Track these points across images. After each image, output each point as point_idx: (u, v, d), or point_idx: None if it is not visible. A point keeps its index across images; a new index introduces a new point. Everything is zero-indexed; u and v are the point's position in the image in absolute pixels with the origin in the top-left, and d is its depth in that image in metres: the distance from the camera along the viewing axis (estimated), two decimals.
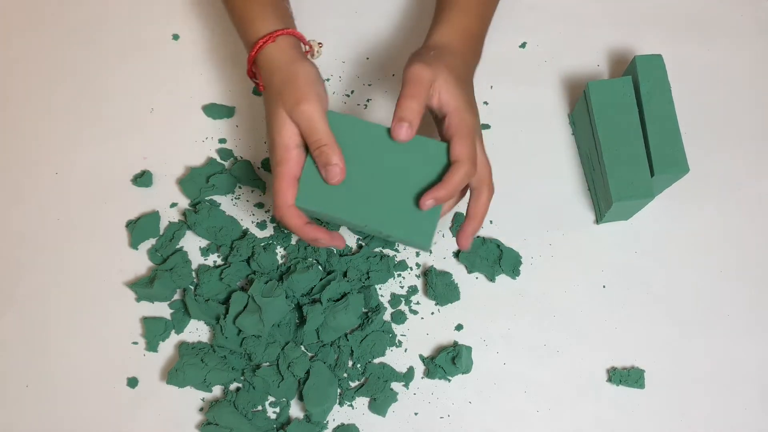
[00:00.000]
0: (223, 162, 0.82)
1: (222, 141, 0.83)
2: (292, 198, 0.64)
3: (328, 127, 0.63)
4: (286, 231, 0.79)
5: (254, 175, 0.80)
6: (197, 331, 0.77)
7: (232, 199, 0.80)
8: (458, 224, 0.78)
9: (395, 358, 0.75)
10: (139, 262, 0.79)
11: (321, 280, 0.75)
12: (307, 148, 0.65)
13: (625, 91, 0.75)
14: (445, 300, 0.76)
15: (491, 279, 0.77)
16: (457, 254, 0.78)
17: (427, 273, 0.77)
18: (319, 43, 0.73)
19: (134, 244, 0.79)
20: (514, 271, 0.77)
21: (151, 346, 0.75)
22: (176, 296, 0.78)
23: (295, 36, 0.69)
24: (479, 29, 0.72)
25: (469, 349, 0.74)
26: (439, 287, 0.76)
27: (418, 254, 0.78)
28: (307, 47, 0.72)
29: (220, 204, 0.80)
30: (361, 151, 0.63)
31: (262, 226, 0.79)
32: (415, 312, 0.77)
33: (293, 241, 0.78)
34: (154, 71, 0.86)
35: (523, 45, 0.86)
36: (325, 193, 0.63)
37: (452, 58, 0.66)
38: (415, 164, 0.63)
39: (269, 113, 0.66)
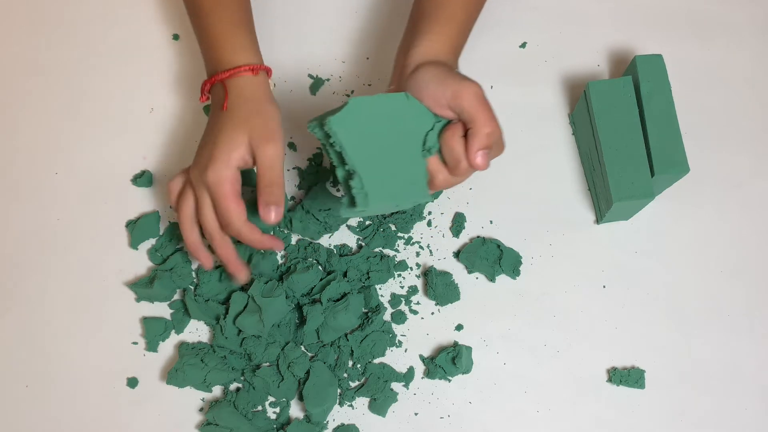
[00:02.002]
0: None
1: None
2: (244, 214, 0.66)
3: (282, 172, 0.65)
4: (285, 231, 0.79)
5: (253, 173, 0.80)
6: (197, 331, 0.77)
7: None
8: (457, 224, 0.78)
9: (395, 358, 0.75)
10: (139, 262, 0.79)
11: (321, 280, 0.75)
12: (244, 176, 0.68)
13: (625, 91, 0.75)
14: (445, 300, 0.76)
15: (491, 279, 0.77)
16: (457, 254, 0.78)
17: (427, 273, 0.77)
18: (273, 84, 0.75)
19: (134, 244, 0.79)
20: (514, 271, 0.77)
21: (151, 346, 0.75)
22: (176, 296, 0.78)
23: (269, 72, 0.72)
24: (462, 44, 0.71)
25: (469, 349, 0.74)
26: (439, 287, 0.76)
27: (418, 254, 0.78)
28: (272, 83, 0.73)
29: None
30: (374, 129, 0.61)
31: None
32: (415, 312, 0.77)
33: (293, 241, 0.78)
34: (154, 71, 0.86)
35: (523, 45, 0.86)
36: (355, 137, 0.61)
37: (449, 65, 0.66)
38: (410, 131, 0.62)
39: (227, 131, 0.67)
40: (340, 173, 0.63)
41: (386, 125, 0.61)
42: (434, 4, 0.71)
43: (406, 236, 0.78)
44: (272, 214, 0.64)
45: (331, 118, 0.60)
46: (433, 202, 0.64)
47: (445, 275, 0.77)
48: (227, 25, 0.72)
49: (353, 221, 0.79)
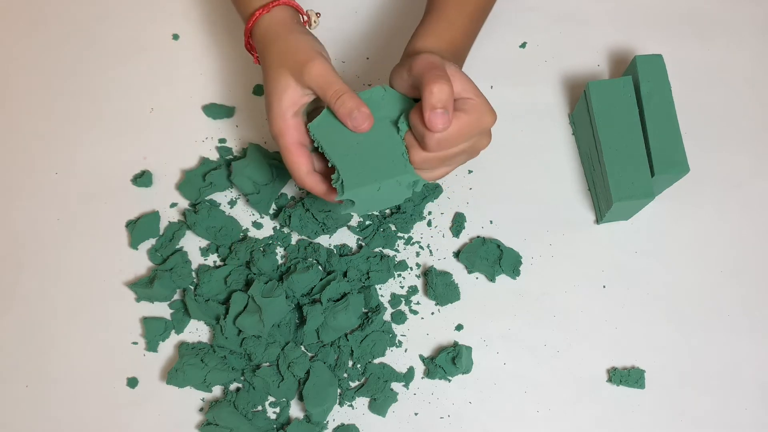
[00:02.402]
0: (218, 160, 0.82)
1: (222, 141, 0.83)
2: (306, 165, 0.64)
3: (341, 80, 0.62)
4: (286, 231, 0.79)
5: None
6: (197, 331, 0.77)
7: (231, 200, 0.80)
8: (457, 224, 0.78)
9: (395, 358, 0.75)
10: (139, 262, 0.79)
11: (321, 280, 0.75)
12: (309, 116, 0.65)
13: (625, 91, 0.75)
14: (445, 300, 0.76)
15: (491, 279, 0.77)
16: (457, 254, 0.78)
17: (427, 273, 0.77)
18: (317, 13, 0.73)
19: (134, 244, 0.79)
20: (514, 271, 0.77)
21: (151, 346, 0.75)
22: (176, 296, 0.78)
23: (291, 6, 0.68)
24: (464, 44, 0.71)
25: (469, 349, 0.74)
26: (439, 287, 0.76)
27: (418, 254, 0.78)
28: (305, 17, 0.71)
29: (219, 204, 0.80)
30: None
31: (258, 225, 0.79)
32: (415, 312, 0.77)
33: (293, 241, 0.78)
34: (154, 71, 0.86)
35: (523, 45, 0.86)
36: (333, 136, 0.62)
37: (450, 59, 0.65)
38: (389, 118, 0.63)
39: (269, 80, 0.65)
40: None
41: None
42: (433, 4, 0.71)
43: (406, 236, 0.78)
44: (360, 122, 0.61)
45: (310, 124, 0.62)
46: (418, 185, 0.61)
47: (445, 275, 0.77)
48: None
49: (354, 222, 0.79)
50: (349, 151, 0.62)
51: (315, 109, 0.68)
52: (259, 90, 0.84)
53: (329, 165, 0.63)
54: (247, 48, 0.71)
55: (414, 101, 0.63)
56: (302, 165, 0.64)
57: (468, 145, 0.62)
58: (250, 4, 0.69)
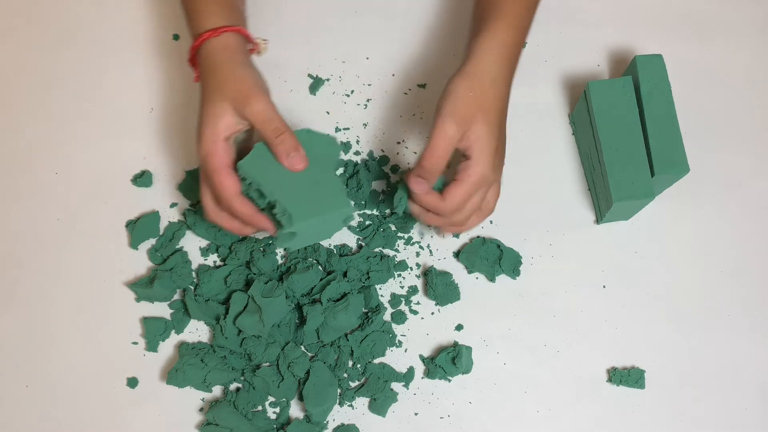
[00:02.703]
0: None
1: None
2: (236, 187, 0.65)
3: (281, 117, 0.64)
4: None
5: None
6: (197, 331, 0.77)
7: None
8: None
9: (395, 358, 0.75)
10: (139, 262, 0.79)
11: (321, 280, 0.75)
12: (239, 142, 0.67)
13: (625, 91, 0.75)
14: (445, 300, 0.76)
15: (491, 279, 0.77)
16: (457, 254, 0.78)
17: (427, 273, 0.77)
18: (264, 40, 0.73)
19: (134, 244, 0.79)
20: (514, 271, 0.77)
21: (151, 346, 0.75)
22: (176, 296, 0.78)
23: (241, 34, 0.69)
24: (522, 41, 0.71)
25: (469, 349, 0.74)
26: (439, 287, 0.76)
27: (418, 254, 0.78)
28: (251, 45, 0.72)
29: None
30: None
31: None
32: (415, 312, 0.77)
33: None
34: (154, 71, 0.86)
35: (523, 45, 0.86)
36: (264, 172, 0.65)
37: (493, 91, 0.67)
38: (319, 157, 0.66)
39: (208, 103, 0.66)
40: (261, 206, 0.66)
41: None
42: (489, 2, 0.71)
43: (406, 236, 0.78)
44: (295, 160, 0.64)
45: (240, 162, 0.64)
46: (349, 219, 0.68)
47: (445, 275, 0.77)
48: None
49: (354, 222, 0.79)
50: (286, 188, 0.65)
51: (241, 149, 0.69)
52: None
53: (264, 202, 0.65)
54: (190, 63, 0.71)
55: (337, 144, 0.69)
56: (231, 186, 0.65)
57: (475, 205, 0.68)
58: (200, 23, 0.69)
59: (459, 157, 0.68)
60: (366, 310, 0.76)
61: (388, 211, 0.79)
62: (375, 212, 0.79)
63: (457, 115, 0.65)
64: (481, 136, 0.65)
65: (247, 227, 0.68)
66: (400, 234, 0.78)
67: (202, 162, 0.65)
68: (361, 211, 0.79)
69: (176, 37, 0.87)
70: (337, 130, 0.83)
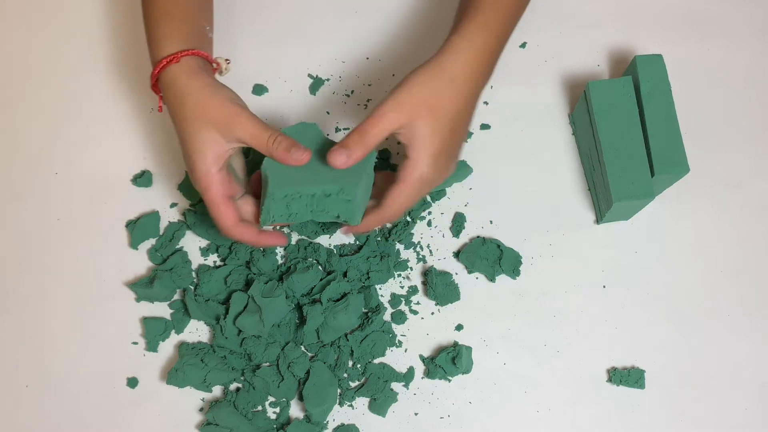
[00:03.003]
0: None
1: None
2: (233, 217, 0.65)
3: (267, 124, 0.64)
4: (286, 231, 0.79)
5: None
6: (197, 331, 0.77)
7: None
8: (457, 224, 0.78)
9: (395, 358, 0.75)
10: (139, 262, 0.79)
11: (321, 280, 0.75)
12: (232, 168, 0.67)
13: (625, 91, 0.75)
14: (445, 300, 0.76)
15: (491, 279, 0.77)
16: (457, 254, 0.78)
17: (427, 273, 0.77)
18: (227, 60, 0.72)
19: (134, 244, 0.79)
20: (514, 271, 0.77)
21: (151, 346, 0.75)
22: (176, 296, 0.78)
23: (200, 56, 0.67)
24: (498, 45, 0.68)
25: (469, 349, 0.74)
26: (439, 287, 0.76)
27: (418, 254, 0.78)
28: (215, 65, 0.71)
29: None
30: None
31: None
32: (415, 312, 0.77)
33: (293, 241, 0.78)
34: None
35: (523, 45, 0.86)
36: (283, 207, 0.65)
37: (450, 92, 0.64)
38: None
39: (188, 135, 0.64)
40: (311, 208, 0.66)
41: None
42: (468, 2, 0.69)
43: (406, 236, 0.78)
44: (298, 155, 0.62)
45: (270, 189, 0.65)
46: (344, 193, 0.65)
47: (445, 275, 0.77)
48: (155, 17, 0.68)
49: None
50: (315, 176, 0.65)
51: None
52: (258, 90, 0.84)
53: (316, 198, 0.65)
54: (153, 90, 0.69)
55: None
56: (229, 218, 0.65)
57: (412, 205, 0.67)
58: (158, 49, 0.67)
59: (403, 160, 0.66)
60: (366, 310, 0.76)
61: None
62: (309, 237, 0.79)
63: (404, 104, 0.62)
64: (423, 135, 0.63)
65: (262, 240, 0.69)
66: (400, 234, 0.78)
67: (201, 194, 0.66)
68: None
69: None
70: (337, 130, 0.83)
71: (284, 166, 0.64)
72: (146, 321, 0.76)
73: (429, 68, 0.64)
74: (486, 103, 0.83)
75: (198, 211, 0.78)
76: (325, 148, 0.66)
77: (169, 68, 0.65)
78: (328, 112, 0.84)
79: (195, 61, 0.66)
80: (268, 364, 0.75)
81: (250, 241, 0.67)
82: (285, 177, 0.65)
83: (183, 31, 0.68)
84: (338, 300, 0.74)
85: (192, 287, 0.77)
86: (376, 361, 0.75)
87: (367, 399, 0.74)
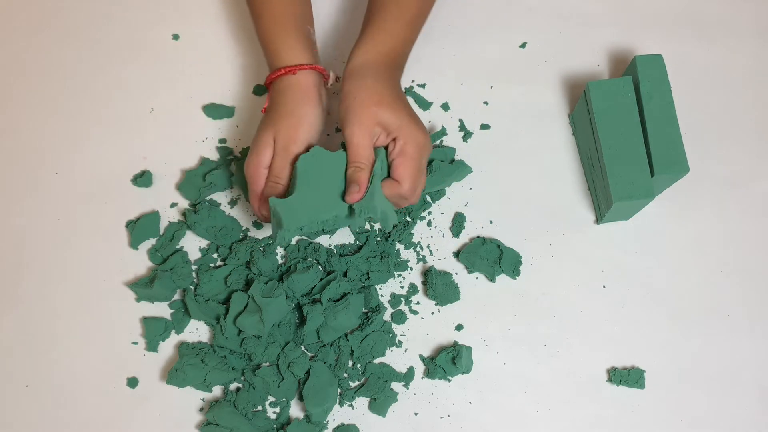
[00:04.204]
0: (218, 160, 0.82)
1: (222, 141, 0.83)
2: (264, 210, 0.71)
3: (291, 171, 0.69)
4: None
5: None
6: (197, 331, 0.77)
7: (231, 200, 0.80)
8: (457, 224, 0.78)
9: (395, 358, 0.75)
10: (139, 262, 0.79)
11: (321, 280, 0.75)
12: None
13: (625, 91, 0.75)
14: (445, 300, 0.76)
15: (491, 279, 0.77)
16: (457, 254, 0.78)
17: (427, 273, 0.77)
18: (337, 77, 0.77)
19: (134, 244, 0.79)
20: (514, 271, 0.77)
21: (151, 346, 0.75)
22: (176, 296, 0.78)
23: (317, 71, 0.73)
24: (404, 51, 0.75)
25: (469, 349, 0.74)
26: (439, 287, 0.76)
27: (418, 254, 0.78)
28: (324, 75, 0.75)
29: (219, 204, 0.80)
30: (319, 176, 0.69)
31: (258, 225, 0.79)
32: (415, 312, 0.77)
33: (293, 241, 0.78)
34: (154, 71, 0.86)
35: (523, 45, 0.86)
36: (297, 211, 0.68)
37: (382, 77, 0.71)
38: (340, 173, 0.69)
39: (261, 132, 0.71)
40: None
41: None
42: (376, 7, 0.75)
43: (406, 236, 0.78)
44: (257, 216, 0.71)
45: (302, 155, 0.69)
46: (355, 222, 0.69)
47: (445, 275, 0.77)
48: (272, 26, 0.74)
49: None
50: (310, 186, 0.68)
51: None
52: (258, 90, 0.84)
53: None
54: (266, 85, 0.74)
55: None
56: (260, 211, 0.71)
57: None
58: (278, 57, 0.73)
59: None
60: (366, 310, 0.76)
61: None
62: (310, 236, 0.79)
63: (360, 118, 0.68)
64: (394, 112, 0.69)
65: None
66: (400, 234, 0.78)
67: (246, 179, 0.71)
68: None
69: (176, 37, 0.87)
70: (337, 130, 0.83)
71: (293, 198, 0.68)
72: (146, 321, 0.76)
73: (351, 76, 0.71)
74: (486, 103, 0.83)
75: (198, 211, 0.78)
76: (334, 163, 0.69)
77: (285, 78, 0.72)
78: (328, 113, 0.84)
79: (310, 76, 0.72)
80: (268, 364, 0.75)
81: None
82: (296, 205, 0.67)
83: (301, 41, 0.73)
84: (338, 300, 0.74)
85: (192, 287, 0.77)
86: (376, 361, 0.75)
87: (367, 399, 0.74)
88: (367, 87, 0.70)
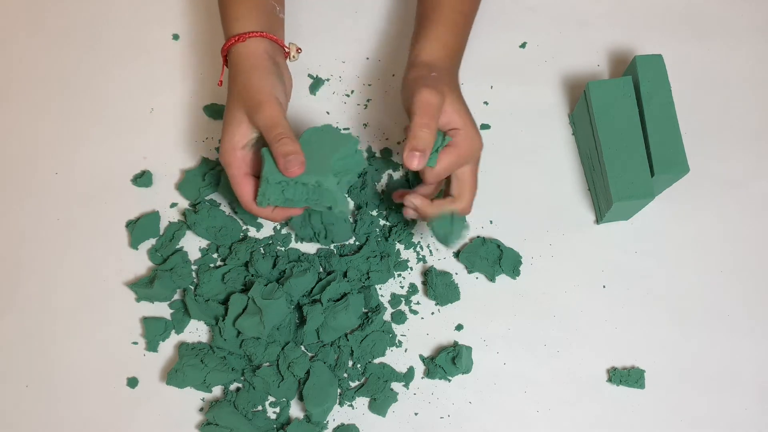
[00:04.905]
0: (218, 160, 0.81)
1: None
2: (250, 194, 0.68)
3: (289, 124, 0.65)
4: (285, 231, 0.79)
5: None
6: (197, 331, 0.77)
7: (231, 199, 0.80)
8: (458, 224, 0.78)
9: (395, 358, 0.75)
10: (139, 262, 0.79)
11: (321, 280, 0.75)
12: (254, 148, 0.69)
13: (625, 91, 0.75)
14: (445, 300, 0.76)
15: (491, 279, 0.77)
16: (457, 254, 0.78)
17: (427, 273, 0.77)
18: (298, 48, 0.73)
19: (134, 244, 0.79)
20: (514, 271, 0.77)
21: (151, 346, 0.75)
22: (176, 296, 0.78)
23: (269, 38, 0.70)
24: (460, 45, 0.74)
25: (469, 349, 0.74)
26: (439, 287, 0.76)
27: (418, 254, 0.78)
28: (286, 49, 0.72)
29: (219, 204, 0.80)
30: (319, 148, 0.67)
31: (258, 226, 0.79)
32: (415, 312, 0.77)
33: (293, 242, 0.78)
34: (154, 71, 0.86)
35: (523, 45, 0.86)
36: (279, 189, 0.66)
37: (448, 76, 0.69)
38: (341, 155, 0.67)
39: (228, 111, 0.68)
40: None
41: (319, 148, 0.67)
42: (430, 6, 0.73)
43: (406, 236, 0.78)
44: (292, 164, 0.64)
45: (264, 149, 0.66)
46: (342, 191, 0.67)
47: (445, 275, 0.77)
48: (235, 2, 0.72)
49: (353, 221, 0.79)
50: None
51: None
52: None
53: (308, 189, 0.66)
54: (225, 65, 0.72)
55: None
56: (247, 194, 0.68)
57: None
58: (229, 27, 0.70)
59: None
60: (366, 310, 0.76)
61: (385, 212, 0.79)
62: (374, 213, 0.79)
63: (432, 87, 0.66)
64: (459, 107, 0.67)
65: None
66: (400, 234, 0.78)
67: (224, 168, 0.68)
68: (369, 211, 0.79)
69: (176, 37, 0.87)
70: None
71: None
72: (146, 321, 0.76)
73: (417, 69, 0.69)
74: (486, 103, 0.83)
75: (198, 211, 0.78)
76: (339, 143, 0.67)
77: (236, 47, 0.69)
78: (328, 112, 0.84)
79: (262, 43, 0.69)
80: (268, 364, 0.75)
81: (266, 217, 0.69)
82: None
83: (254, 11, 0.71)
84: (338, 300, 0.74)
85: (192, 287, 0.77)
86: (376, 361, 0.75)
87: (367, 399, 0.74)
88: (435, 78, 0.68)
